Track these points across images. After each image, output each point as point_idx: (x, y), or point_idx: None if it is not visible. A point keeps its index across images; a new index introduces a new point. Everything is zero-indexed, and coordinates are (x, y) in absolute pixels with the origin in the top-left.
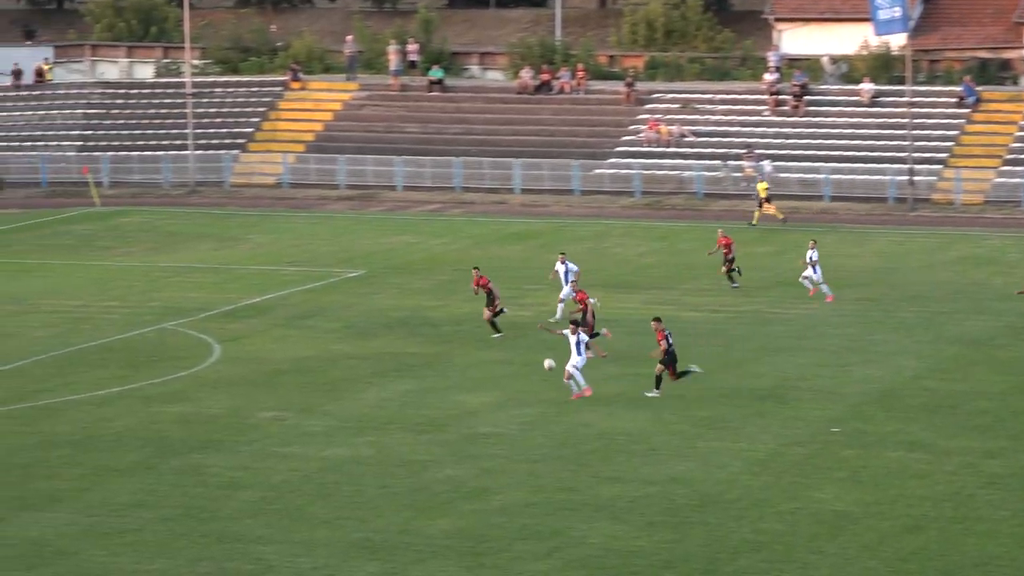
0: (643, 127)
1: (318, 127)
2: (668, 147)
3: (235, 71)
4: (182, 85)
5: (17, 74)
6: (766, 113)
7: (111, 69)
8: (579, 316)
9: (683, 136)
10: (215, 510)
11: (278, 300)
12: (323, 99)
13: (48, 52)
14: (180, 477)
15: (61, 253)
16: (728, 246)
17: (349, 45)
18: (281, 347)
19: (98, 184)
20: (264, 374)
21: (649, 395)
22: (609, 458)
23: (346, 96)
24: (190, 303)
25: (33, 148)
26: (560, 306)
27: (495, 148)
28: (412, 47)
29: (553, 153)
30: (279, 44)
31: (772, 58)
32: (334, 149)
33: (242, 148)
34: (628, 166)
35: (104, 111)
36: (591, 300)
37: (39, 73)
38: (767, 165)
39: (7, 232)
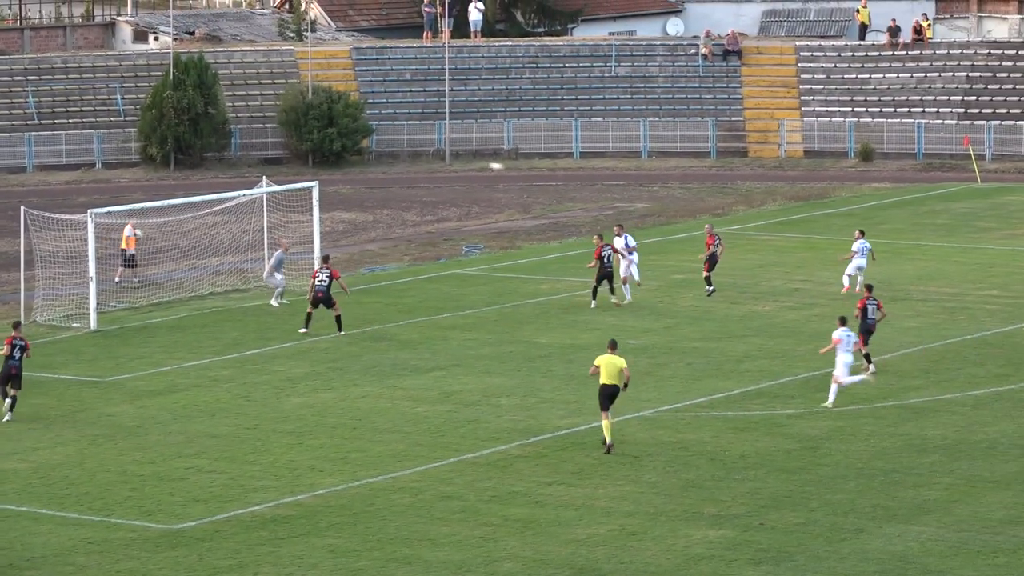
0: None
1: None
2: None
3: None
4: None
5: (894, 31)
6: None
7: (999, 27)
8: None
9: None
10: None
11: None
12: None
13: (929, 7)
14: None
15: (936, 234)
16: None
17: None
18: None
19: (979, 157)
20: None
21: None
22: None
23: None
24: None
25: (909, 115)
26: None
27: None
28: None
29: None
30: None
31: None
32: None
33: None
34: None
35: (990, 75)
36: None
37: (917, 31)
38: None
39: (877, 208)
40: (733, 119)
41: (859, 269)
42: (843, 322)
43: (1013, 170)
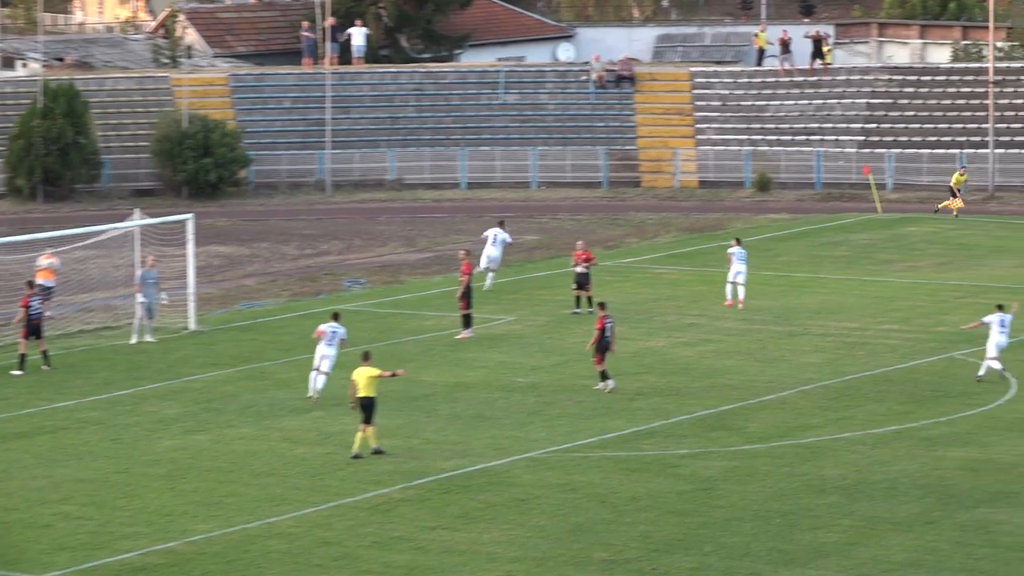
0: None
1: None
2: None
3: None
4: (983, 71)
5: (785, 44)
6: None
7: (900, 52)
8: None
9: None
10: None
11: None
12: None
13: (829, 30)
14: (965, 535)
15: (835, 266)
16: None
17: None
18: None
19: (880, 187)
20: None
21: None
22: None
23: None
24: (982, 331)
25: (807, 143)
26: None
27: None
28: None
29: None
30: None
31: None
32: None
33: None
34: None
35: (891, 101)
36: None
37: (817, 42)
38: None
39: (774, 240)
40: (626, 148)
41: (739, 275)
42: (335, 317)
43: (914, 200)
